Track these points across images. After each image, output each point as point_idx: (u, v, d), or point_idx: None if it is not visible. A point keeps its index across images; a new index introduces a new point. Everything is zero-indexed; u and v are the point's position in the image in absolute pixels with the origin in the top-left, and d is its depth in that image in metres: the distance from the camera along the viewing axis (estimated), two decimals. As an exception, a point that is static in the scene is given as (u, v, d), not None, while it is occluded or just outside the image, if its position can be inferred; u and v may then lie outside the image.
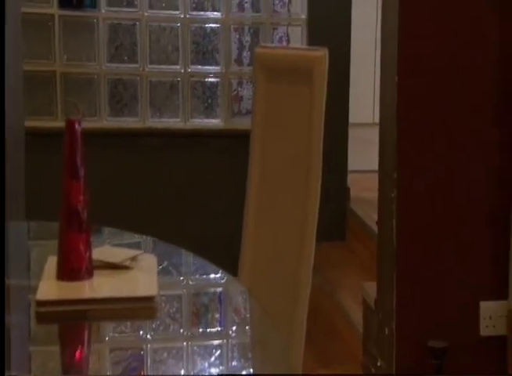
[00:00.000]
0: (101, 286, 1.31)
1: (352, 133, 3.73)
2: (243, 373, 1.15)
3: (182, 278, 1.56)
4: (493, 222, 2.29)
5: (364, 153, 3.54)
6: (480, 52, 2.25)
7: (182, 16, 3.42)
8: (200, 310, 1.39)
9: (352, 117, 3.74)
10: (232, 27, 3.50)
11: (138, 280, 1.35)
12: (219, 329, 1.30)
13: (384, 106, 2.44)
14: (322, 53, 1.52)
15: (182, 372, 1.14)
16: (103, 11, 3.35)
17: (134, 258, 1.41)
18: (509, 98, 2.24)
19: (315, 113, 1.55)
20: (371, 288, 2.56)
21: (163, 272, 1.44)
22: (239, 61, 3.52)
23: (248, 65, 3.53)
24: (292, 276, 1.60)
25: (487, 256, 2.30)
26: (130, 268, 1.38)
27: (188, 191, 3.44)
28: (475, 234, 2.30)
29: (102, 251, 1.41)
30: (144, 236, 1.66)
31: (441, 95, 2.27)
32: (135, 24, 3.39)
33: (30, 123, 2.94)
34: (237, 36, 3.56)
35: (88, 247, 1.32)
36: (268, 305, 1.64)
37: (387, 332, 2.34)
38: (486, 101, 2.27)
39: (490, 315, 2.29)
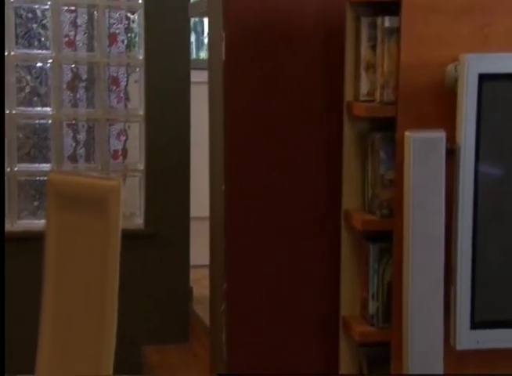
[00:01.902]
0: None
1: (196, 226, 3.64)
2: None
3: None
4: (323, 328, 2.25)
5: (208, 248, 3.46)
6: (307, 177, 2.23)
7: (8, 111, 3.23)
8: None
9: (195, 211, 3.66)
10: (64, 122, 3.35)
11: None
12: None
13: (213, 215, 2.38)
14: (116, 183, 1.42)
15: None
16: None
17: None
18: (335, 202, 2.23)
19: (109, 243, 1.43)
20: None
21: None
22: (72, 158, 3.37)
23: (85, 162, 3.39)
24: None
25: (318, 362, 2.25)
26: None
27: (17, 297, 3.18)
28: (304, 337, 2.25)
29: None
30: None
31: (268, 203, 2.24)
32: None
33: None
34: (71, 132, 3.41)
35: None
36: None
37: None
38: (311, 206, 2.25)
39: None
